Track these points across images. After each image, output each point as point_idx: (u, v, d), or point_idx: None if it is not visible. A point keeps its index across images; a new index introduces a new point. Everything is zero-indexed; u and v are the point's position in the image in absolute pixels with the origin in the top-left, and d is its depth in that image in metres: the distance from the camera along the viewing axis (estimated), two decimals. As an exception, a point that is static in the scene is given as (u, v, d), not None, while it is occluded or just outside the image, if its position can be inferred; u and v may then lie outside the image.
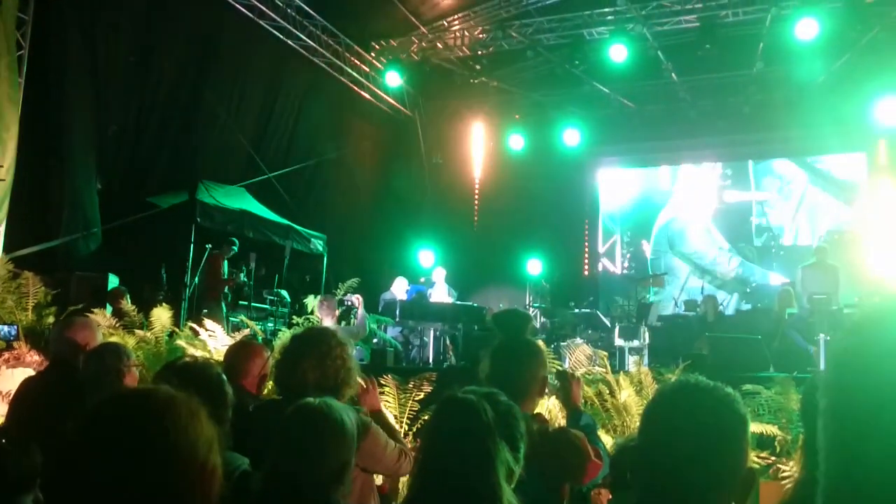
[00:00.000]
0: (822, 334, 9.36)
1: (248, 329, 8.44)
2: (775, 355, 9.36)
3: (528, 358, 2.87)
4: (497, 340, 2.95)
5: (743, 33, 12.02)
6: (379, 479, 3.55)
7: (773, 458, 5.34)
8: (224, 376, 2.73)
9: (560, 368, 5.36)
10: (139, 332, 7.40)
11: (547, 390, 3.03)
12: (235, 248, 10.54)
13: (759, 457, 5.30)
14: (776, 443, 5.34)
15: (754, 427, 5.40)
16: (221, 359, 4.46)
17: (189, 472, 1.23)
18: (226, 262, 10.53)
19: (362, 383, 3.24)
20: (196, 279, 9.96)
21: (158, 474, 1.20)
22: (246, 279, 10.83)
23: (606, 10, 12.09)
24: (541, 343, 6.58)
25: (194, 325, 7.36)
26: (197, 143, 11.73)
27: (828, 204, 14.36)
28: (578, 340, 10.59)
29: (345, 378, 3.09)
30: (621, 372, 6.05)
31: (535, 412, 3.01)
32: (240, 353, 3.84)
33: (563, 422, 3.78)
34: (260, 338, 8.97)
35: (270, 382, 3.96)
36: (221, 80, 11.90)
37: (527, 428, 2.76)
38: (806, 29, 10.88)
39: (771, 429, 5.31)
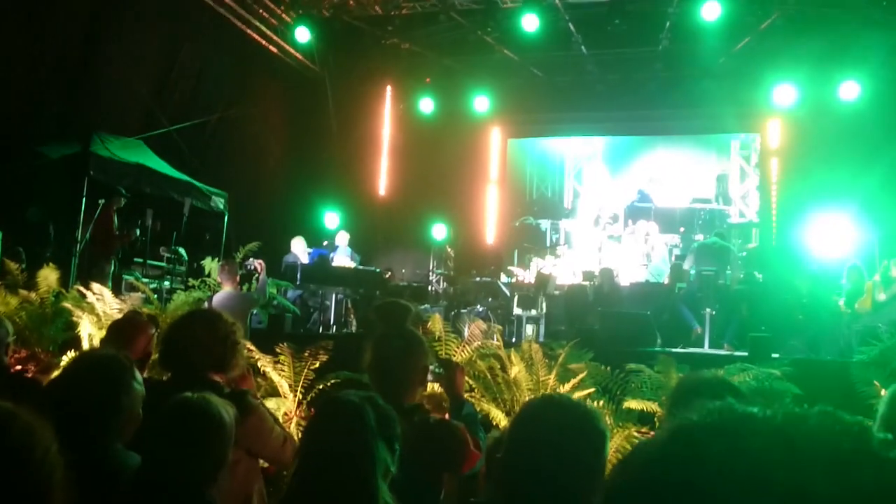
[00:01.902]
0: (708, 309, 9.86)
1: (140, 292, 8.21)
2: (665, 328, 9.80)
3: (409, 349, 2.92)
4: (378, 332, 2.98)
5: (651, 11, 12.25)
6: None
7: (652, 432, 5.60)
8: (126, 376, 2.57)
9: (445, 357, 5.46)
10: (23, 293, 7.10)
11: (430, 378, 3.08)
12: (125, 199, 10.10)
13: (639, 431, 5.56)
14: (656, 419, 5.59)
15: (636, 404, 5.66)
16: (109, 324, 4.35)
17: (25, 479, 1.36)
18: (116, 215, 10.09)
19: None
20: (87, 235, 9.58)
21: None
22: (140, 235, 10.48)
23: (521, -22, 12.09)
24: (436, 319, 6.66)
25: (81, 288, 7.09)
26: (92, 92, 11.18)
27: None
28: (479, 308, 10.81)
29: (231, 360, 3.08)
30: (513, 348, 6.20)
31: (418, 402, 3.06)
32: (124, 330, 3.74)
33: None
34: (154, 297, 8.76)
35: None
36: (120, 26, 11.34)
37: (408, 418, 2.82)
38: (710, 11, 11.18)
39: (651, 405, 5.56)
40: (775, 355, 7.56)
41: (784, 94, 12.67)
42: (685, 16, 11.84)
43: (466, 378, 5.85)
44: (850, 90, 12.29)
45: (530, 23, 11.89)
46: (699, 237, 12.31)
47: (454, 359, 6.05)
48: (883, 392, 5.14)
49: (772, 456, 0.58)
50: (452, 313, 10.45)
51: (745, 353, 7.70)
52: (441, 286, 12.25)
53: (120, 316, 5.47)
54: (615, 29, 12.21)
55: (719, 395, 2.37)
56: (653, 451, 0.65)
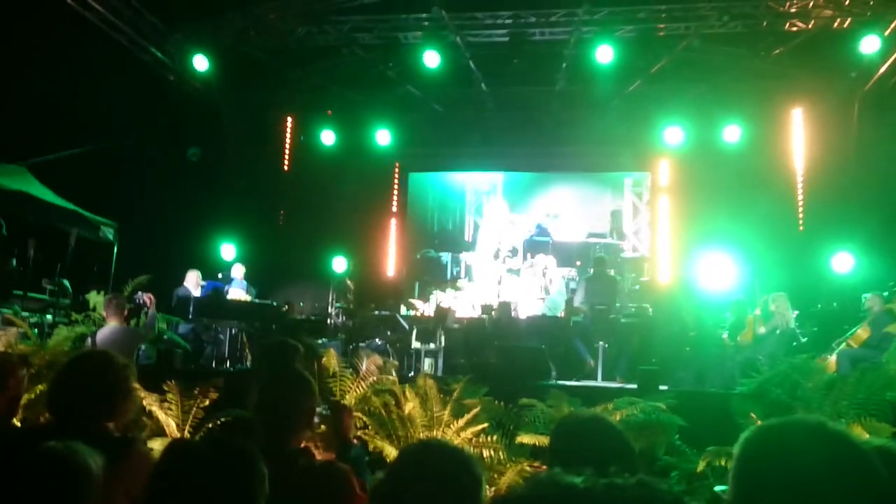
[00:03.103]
0: (601, 342, 10.11)
1: (16, 328, 7.78)
2: (560, 361, 9.97)
3: (296, 391, 2.87)
4: (266, 372, 2.93)
5: (548, 52, 12.63)
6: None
7: (544, 466, 5.67)
8: None
9: (333, 398, 5.40)
10: None
11: (317, 420, 3.04)
12: (2, 231, 9.58)
13: (532, 466, 5.62)
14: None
15: (529, 438, 5.72)
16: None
17: None
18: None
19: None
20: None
21: None
22: (19, 266, 9.95)
23: (423, 15, 12.25)
24: (332, 354, 6.58)
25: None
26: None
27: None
28: (377, 342, 10.75)
29: (121, 408, 2.98)
30: (408, 383, 6.18)
31: (306, 446, 3.00)
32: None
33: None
34: (34, 332, 8.31)
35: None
36: (5, 49, 10.83)
37: (293, 462, 2.76)
38: (604, 54, 11.62)
39: (544, 440, 5.63)
40: (664, 387, 7.81)
41: (672, 135, 13.29)
42: (580, 57, 12.27)
43: (361, 414, 5.81)
44: (733, 133, 13.00)
45: (431, 59, 12.06)
46: (592, 270, 12.65)
47: (348, 395, 5.99)
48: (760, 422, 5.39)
49: None
50: (350, 347, 10.35)
51: (635, 386, 7.91)
52: (340, 320, 12.12)
53: (-9, 354, 5.17)
54: (514, 68, 12.55)
55: (600, 434, 2.44)
56: None
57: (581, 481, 0.63)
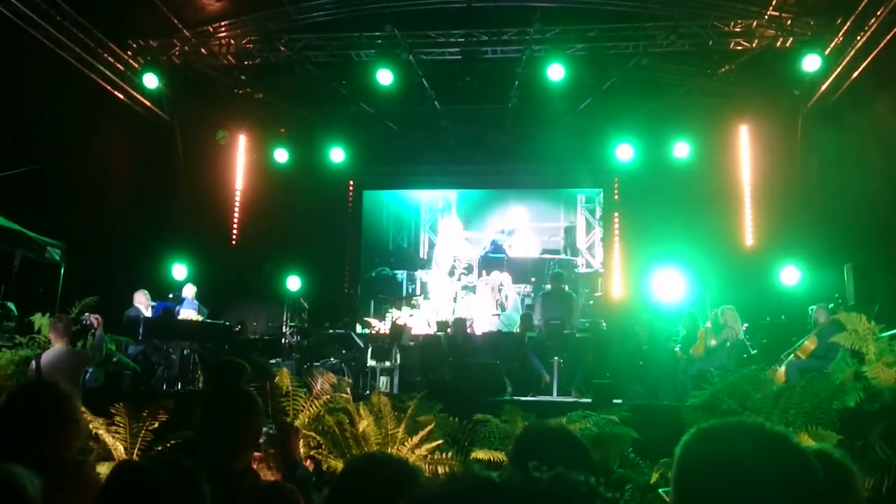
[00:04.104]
0: (556, 357, 10.15)
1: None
2: (516, 376, 9.99)
3: (240, 410, 2.82)
4: (211, 391, 2.88)
5: (500, 70, 12.74)
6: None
7: (499, 482, 5.65)
8: None
9: (280, 419, 5.34)
10: None
11: (263, 441, 2.99)
12: None
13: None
14: (503, 469, 5.66)
15: (484, 454, 5.71)
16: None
17: None
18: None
19: None
20: None
21: None
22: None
23: (376, 33, 12.28)
24: (284, 373, 6.49)
25: None
26: None
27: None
28: (332, 361, 10.66)
29: (71, 441, 2.90)
30: (361, 401, 6.13)
31: (251, 466, 2.95)
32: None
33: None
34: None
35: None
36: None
37: (237, 482, 2.72)
38: (555, 72, 11.77)
39: (499, 455, 5.62)
40: (618, 401, 7.86)
41: (624, 151, 13.46)
42: (533, 75, 12.39)
43: (314, 434, 5.74)
44: (682, 149, 13.24)
45: (384, 77, 12.09)
46: (549, 287, 12.74)
47: (302, 414, 5.92)
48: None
49: None
50: (305, 366, 10.24)
51: (590, 400, 7.96)
52: (295, 339, 12.00)
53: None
54: (467, 85, 12.62)
55: (562, 445, 2.44)
56: None
57: (497, 475, 0.64)
